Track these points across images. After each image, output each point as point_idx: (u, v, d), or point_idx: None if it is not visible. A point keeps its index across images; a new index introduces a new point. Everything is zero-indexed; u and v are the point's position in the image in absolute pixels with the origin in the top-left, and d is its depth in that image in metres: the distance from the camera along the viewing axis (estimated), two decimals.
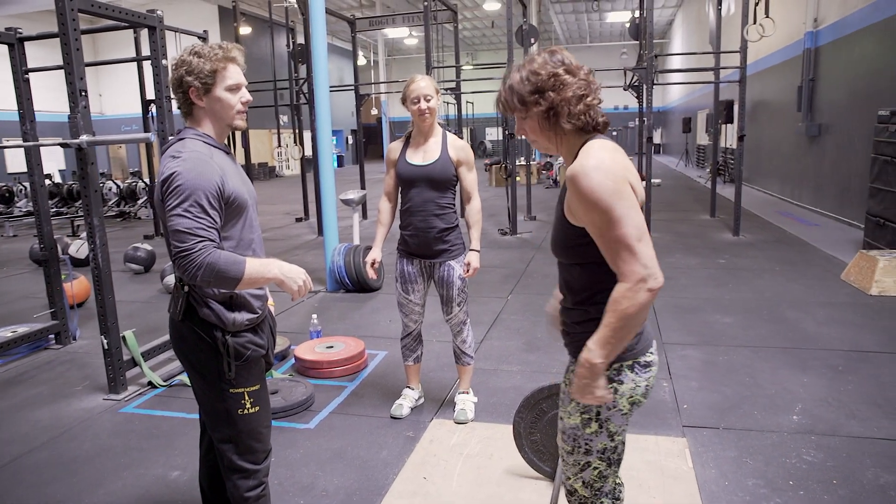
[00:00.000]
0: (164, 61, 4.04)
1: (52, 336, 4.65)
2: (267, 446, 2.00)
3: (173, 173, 1.72)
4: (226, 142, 1.99)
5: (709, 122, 17.94)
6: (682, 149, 23.08)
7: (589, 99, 1.45)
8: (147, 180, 12.29)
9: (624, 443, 1.60)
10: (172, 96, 2.16)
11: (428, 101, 2.89)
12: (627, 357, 1.50)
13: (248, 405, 1.91)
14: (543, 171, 18.11)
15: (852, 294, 5.30)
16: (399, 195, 3.12)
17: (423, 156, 2.98)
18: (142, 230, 10.66)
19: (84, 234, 8.63)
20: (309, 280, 1.86)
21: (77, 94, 3.40)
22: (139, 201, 13.01)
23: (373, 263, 3.10)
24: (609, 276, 1.42)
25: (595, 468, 1.57)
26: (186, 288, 1.84)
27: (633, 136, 32.27)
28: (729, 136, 15.17)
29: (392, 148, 3.10)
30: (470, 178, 3.04)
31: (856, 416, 3.13)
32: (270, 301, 2.10)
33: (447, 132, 3.05)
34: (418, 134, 3.01)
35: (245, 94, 1.90)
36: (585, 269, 1.50)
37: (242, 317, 1.88)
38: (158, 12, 4.02)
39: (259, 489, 1.98)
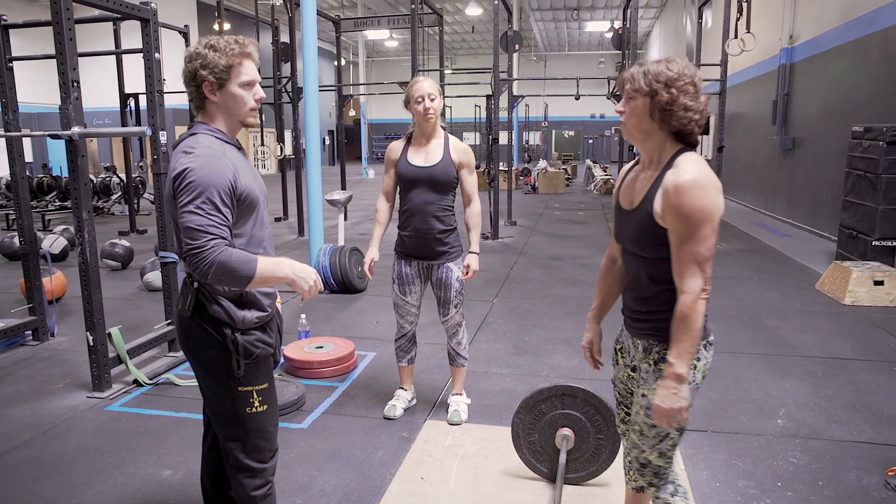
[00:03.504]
0: (156, 55, 3.99)
1: (29, 332, 4.54)
2: (274, 445, 1.98)
3: (185, 169, 1.70)
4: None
5: None
6: None
7: (698, 116, 1.62)
8: (122, 176, 12.04)
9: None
10: (181, 89, 2.13)
11: (432, 100, 2.90)
12: (702, 339, 1.73)
13: (257, 403, 1.90)
14: (521, 177, 18.26)
15: (827, 303, 5.46)
16: (398, 195, 3.13)
17: (424, 157, 2.98)
18: (116, 226, 10.46)
19: (56, 229, 8.44)
20: (319, 280, 1.85)
21: (69, 84, 3.35)
22: (113, 197, 12.75)
23: (371, 263, 3.09)
24: None
25: (671, 438, 1.79)
26: (196, 284, 1.82)
27: (608, 145, 32.73)
28: (704, 147, 15.44)
29: (392, 148, 3.10)
30: (471, 180, 3.06)
31: (837, 420, 3.23)
32: (278, 299, 2.09)
33: (448, 135, 3.07)
34: (420, 135, 3.01)
35: (259, 91, 1.88)
36: (669, 263, 1.67)
37: (252, 314, 1.87)
38: (153, 4, 3.96)
39: (265, 488, 1.96)
